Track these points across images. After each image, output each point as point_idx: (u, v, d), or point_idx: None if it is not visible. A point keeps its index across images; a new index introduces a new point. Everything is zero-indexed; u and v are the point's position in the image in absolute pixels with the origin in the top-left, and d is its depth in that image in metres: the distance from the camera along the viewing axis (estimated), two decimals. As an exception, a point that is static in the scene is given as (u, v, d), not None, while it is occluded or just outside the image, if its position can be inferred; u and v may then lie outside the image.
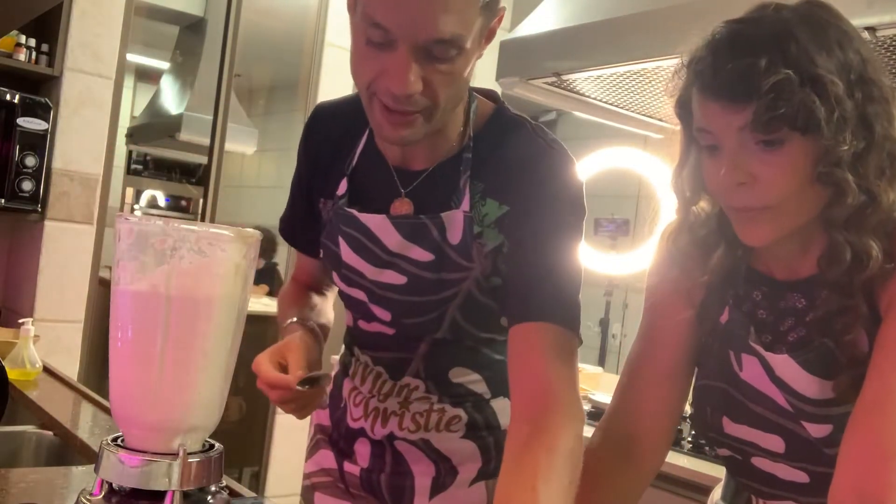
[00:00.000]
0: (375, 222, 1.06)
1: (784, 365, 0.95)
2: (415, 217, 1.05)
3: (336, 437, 1.22)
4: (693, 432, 1.97)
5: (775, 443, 0.98)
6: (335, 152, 1.14)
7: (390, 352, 1.14)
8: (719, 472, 1.74)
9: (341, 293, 1.19)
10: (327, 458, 1.22)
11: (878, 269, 0.88)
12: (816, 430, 0.94)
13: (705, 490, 1.75)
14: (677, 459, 1.83)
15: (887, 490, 0.80)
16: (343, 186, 1.11)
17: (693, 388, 1.08)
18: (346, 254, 1.10)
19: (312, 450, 1.27)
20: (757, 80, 0.84)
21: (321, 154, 1.16)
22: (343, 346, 1.26)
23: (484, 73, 3.53)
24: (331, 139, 1.15)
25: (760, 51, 0.86)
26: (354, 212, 1.08)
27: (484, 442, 1.13)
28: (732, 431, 1.01)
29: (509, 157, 1.05)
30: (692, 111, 0.94)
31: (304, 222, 1.20)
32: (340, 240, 1.10)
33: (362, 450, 1.17)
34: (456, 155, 1.06)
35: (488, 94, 1.13)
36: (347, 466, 1.19)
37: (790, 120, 0.85)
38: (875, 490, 0.80)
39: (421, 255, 1.05)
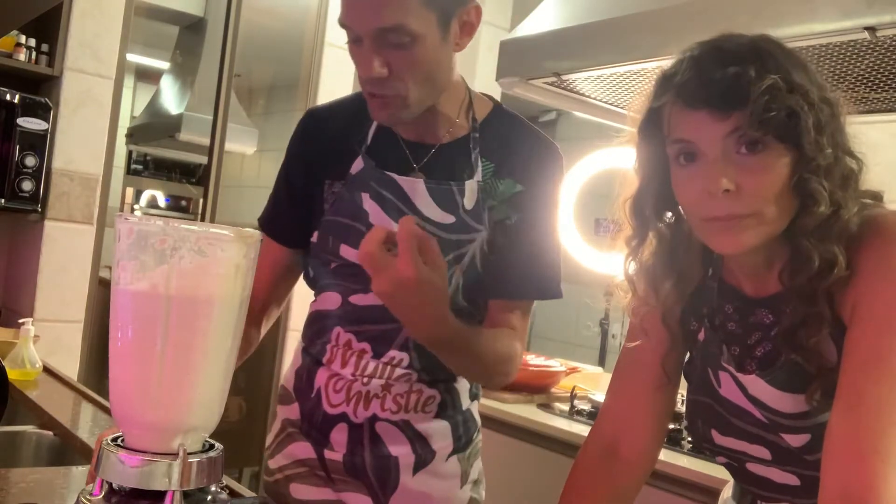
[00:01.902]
0: (410, 184, 1.19)
1: (755, 384, 1.00)
2: (444, 182, 1.20)
3: (308, 429, 1.26)
4: (693, 432, 1.98)
5: (762, 452, 1.03)
6: (343, 138, 1.26)
7: (380, 324, 1.20)
8: (719, 471, 1.74)
9: (333, 273, 1.24)
10: (303, 449, 1.27)
11: (838, 278, 0.91)
12: (795, 440, 0.98)
13: (705, 490, 1.75)
14: (677, 459, 1.83)
15: (869, 488, 0.83)
16: (359, 163, 1.22)
17: (685, 400, 1.13)
18: (377, 217, 1.20)
19: (282, 444, 1.30)
20: (747, 87, 0.88)
21: (329, 141, 1.27)
22: (305, 341, 1.31)
23: (484, 73, 3.55)
24: (337, 128, 1.27)
25: (745, 61, 0.90)
26: (394, 175, 1.20)
27: (454, 421, 1.27)
28: (722, 443, 1.07)
29: (519, 144, 1.24)
30: (662, 127, 0.97)
31: (290, 213, 1.30)
32: (369, 206, 1.20)
33: (339, 437, 1.23)
34: (465, 136, 1.23)
35: (486, 96, 1.30)
36: (328, 454, 1.24)
37: (778, 125, 0.88)
38: (858, 490, 0.83)
39: (443, 217, 1.19)
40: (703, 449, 1.14)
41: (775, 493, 1.04)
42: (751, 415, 1.02)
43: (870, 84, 1.79)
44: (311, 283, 1.31)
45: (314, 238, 1.25)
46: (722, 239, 0.95)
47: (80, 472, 1.26)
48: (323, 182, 1.25)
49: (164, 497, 0.77)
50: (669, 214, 1.05)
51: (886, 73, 1.70)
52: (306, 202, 1.27)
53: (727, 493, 1.19)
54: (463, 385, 1.28)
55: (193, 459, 0.79)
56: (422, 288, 0.98)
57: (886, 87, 1.80)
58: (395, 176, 1.19)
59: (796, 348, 0.94)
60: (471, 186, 1.19)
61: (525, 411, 2.24)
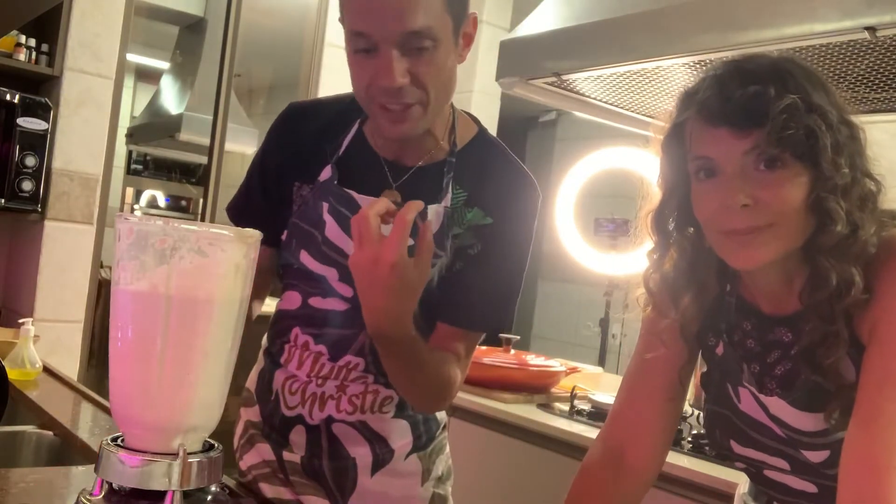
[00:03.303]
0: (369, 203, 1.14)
1: (776, 405, 1.02)
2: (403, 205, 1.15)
3: (268, 431, 1.27)
4: (693, 432, 1.98)
5: (781, 463, 1.05)
6: (317, 142, 1.22)
7: (338, 328, 1.20)
8: (718, 471, 1.74)
9: (295, 273, 1.23)
10: (265, 450, 1.27)
11: (856, 299, 0.93)
12: (814, 456, 1.00)
13: (705, 490, 1.75)
14: (677, 459, 1.83)
15: (885, 503, 0.85)
16: (328, 172, 1.19)
17: (703, 409, 1.15)
18: (332, 231, 1.18)
19: (246, 445, 1.31)
20: (766, 105, 0.90)
21: (303, 142, 1.23)
22: (267, 341, 1.31)
23: (484, 73, 3.54)
24: (313, 130, 1.24)
25: (766, 81, 0.92)
26: (353, 192, 1.16)
27: (414, 419, 1.25)
28: (741, 452, 1.09)
29: (496, 176, 1.20)
30: (684, 142, 0.99)
31: (259, 205, 1.27)
32: (327, 217, 1.18)
33: (297, 439, 1.23)
34: (442, 160, 1.19)
35: (471, 117, 1.28)
36: (287, 455, 1.25)
37: (796, 143, 0.90)
38: None
39: None
40: (722, 455, 1.16)
41: (792, 497, 1.07)
42: (770, 430, 1.04)
43: (870, 84, 1.79)
44: (279, 278, 1.30)
45: (283, 236, 1.24)
46: (738, 254, 0.96)
47: (80, 472, 1.25)
48: (293, 183, 1.23)
49: (164, 497, 0.78)
50: (691, 229, 1.06)
51: (886, 73, 1.70)
52: (277, 199, 1.24)
53: (743, 489, 1.21)
54: None
55: (193, 459, 0.79)
56: (395, 276, 0.96)
57: (886, 87, 1.80)
58: (355, 194, 1.16)
59: (815, 368, 0.96)
60: (435, 210, 1.15)
61: (525, 411, 2.24)
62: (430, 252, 1.01)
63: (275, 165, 1.25)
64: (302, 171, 1.22)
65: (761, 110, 0.90)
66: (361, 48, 1.05)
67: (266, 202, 1.26)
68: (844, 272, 0.93)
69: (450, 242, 1.17)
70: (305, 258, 1.21)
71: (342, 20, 1.10)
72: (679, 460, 1.83)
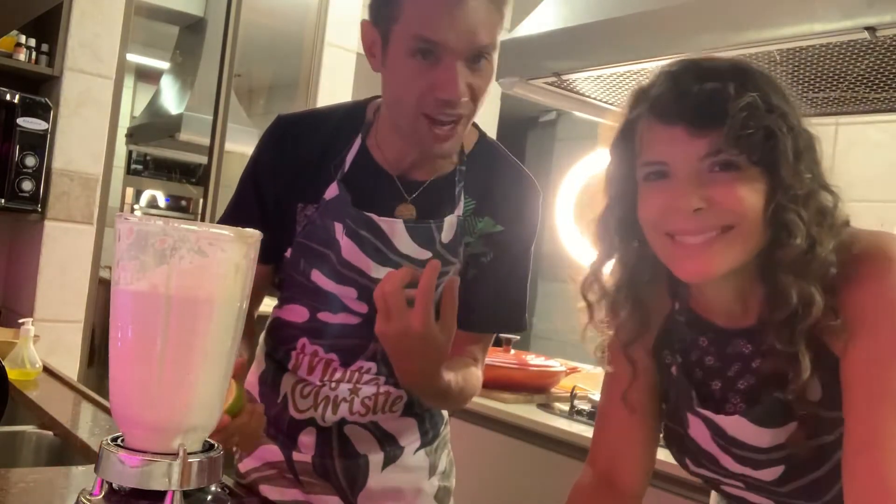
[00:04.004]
0: (388, 225, 1.15)
1: (735, 425, 0.96)
2: (423, 221, 1.17)
3: (275, 433, 1.26)
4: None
5: (735, 482, 1.02)
6: (319, 159, 1.18)
7: (350, 339, 1.20)
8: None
9: (301, 288, 1.21)
10: (271, 452, 1.27)
11: (824, 324, 0.86)
12: (767, 475, 0.96)
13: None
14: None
15: None
16: (334, 190, 1.16)
17: (663, 424, 1.10)
18: (349, 252, 1.16)
19: None
20: (725, 103, 0.84)
21: (302, 161, 1.19)
22: (267, 346, 1.30)
23: (484, 73, 3.52)
24: (311, 147, 1.19)
25: (724, 78, 0.86)
26: (373, 215, 1.15)
27: (421, 417, 1.28)
28: (696, 471, 1.06)
29: (502, 183, 1.22)
30: (634, 144, 0.93)
31: (261, 228, 1.21)
32: (342, 239, 1.15)
33: (307, 439, 1.24)
34: (451, 170, 1.20)
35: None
36: (297, 456, 1.25)
37: (755, 145, 0.85)
38: None
39: (420, 253, 1.17)
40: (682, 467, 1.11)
41: None
42: (717, 460, 1.00)
43: (870, 84, 1.79)
44: (277, 287, 1.28)
45: (287, 254, 1.20)
46: (687, 264, 0.90)
47: (80, 472, 1.25)
48: (296, 204, 1.19)
49: (164, 497, 0.77)
50: (636, 243, 0.99)
51: (886, 73, 1.70)
52: (278, 220, 1.20)
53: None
54: None
55: (193, 459, 0.79)
56: (425, 344, 0.98)
57: (886, 87, 1.80)
58: (375, 217, 1.15)
59: (779, 387, 0.91)
60: (450, 221, 1.17)
61: (525, 411, 2.24)
62: (455, 311, 1.01)
63: (272, 188, 1.20)
64: (305, 192, 1.18)
65: (720, 108, 0.84)
66: (423, 57, 1.02)
67: (263, 224, 1.18)
68: (804, 291, 0.86)
69: (462, 249, 1.19)
70: (318, 277, 1.19)
71: (389, 18, 1.05)
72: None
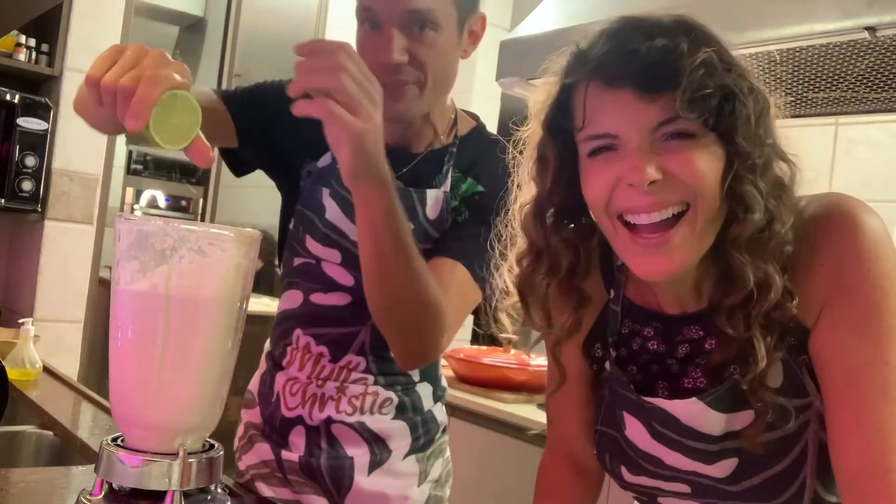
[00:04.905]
0: None
1: (690, 410, 0.86)
2: (403, 188, 1.17)
3: (269, 432, 1.28)
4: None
5: (680, 487, 0.92)
6: (318, 126, 1.15)
7: (339, 327, 1.22)
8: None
9: (297, 271, 1.25)
10: (265, 450, 1.28)
11: (774, 304, 0.79)
12: (720, 470, 0.87)
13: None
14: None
15: None
16: (326, 158, 1.21)
17: (595, 430, 1.00)
18: (333, 214, 1.20)
19: (246, 446, 1.32)
20: (677, 61, 0.75)
21: (306, 126, 1.15)
22: (270, 344, 1.32)
23: (484, 73, 3.54)
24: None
25: (675, 34, 0.77)
26: None
27: (413, 422, 1.26)
28: (633, 481, 0.95)
29: (491, 158, 1.21)
30: (571, 117, 0.83)
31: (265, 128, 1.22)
32: (327, 202, 1.20)
33: (297, 439, 1.25)
34: (443, 148, 1.23)
35: (470, 114, 1.32)
36: (285, 455, 1.26)
37: (712, 109, 0.76)
38: None
39: None
40: (614, 481, 0.99)
41: None
42: (659, 460, 0.90)
43: (870, 84, 1.79)
44: (281, 277, 1.33)
45: (291, 226, 1.26)
46: (646, 263, 0.81)
47: (80, 472, 1.25)
48: (300, 168, 1.25)
49: (164, 497, 0.77)
50: (571, 226, 0.90)
51: (886, 73, 1.70)
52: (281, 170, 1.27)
53: None
54: (425, 388, 1.28)
55: (193, 459, 0.79)
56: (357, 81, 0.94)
57: (886, 87, 1.80)
58: None
59: (734, 370, 0.83)
60: (435, 195, 1.18)
61: (525, 411, 2.24)
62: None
63: (283, 136, 1.21)
64: (305, 157, 1.24)
65: (671, 67, 0.75)
66: (368, 24, 1.10)
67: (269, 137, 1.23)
68: (759, 271, 0.78)
69: (448, 225, 1.20)
70: (310, 243, 1.23)
71: None
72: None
